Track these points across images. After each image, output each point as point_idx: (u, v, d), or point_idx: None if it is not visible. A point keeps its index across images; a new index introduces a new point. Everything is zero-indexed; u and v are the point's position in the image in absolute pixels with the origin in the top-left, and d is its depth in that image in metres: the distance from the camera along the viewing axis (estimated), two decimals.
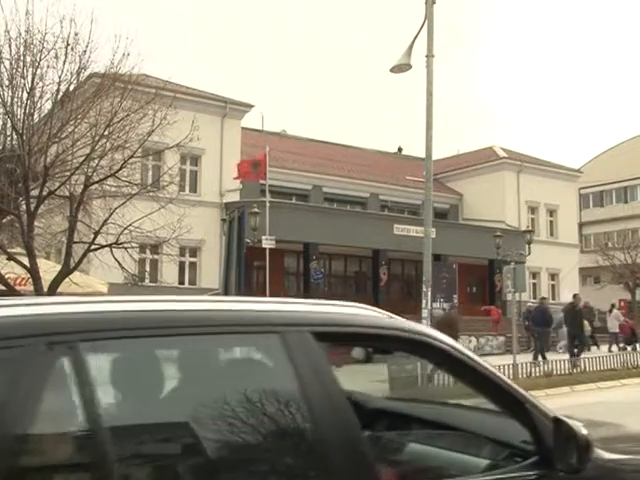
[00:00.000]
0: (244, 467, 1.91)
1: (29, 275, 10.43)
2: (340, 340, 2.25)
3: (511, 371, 14.28)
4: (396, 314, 2.49)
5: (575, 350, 19.06)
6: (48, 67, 10.40)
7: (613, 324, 26.14)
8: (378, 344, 2.46)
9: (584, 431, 2.21)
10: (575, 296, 21.75)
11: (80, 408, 1.70)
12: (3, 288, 11.27)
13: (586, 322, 22.00)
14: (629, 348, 23.31)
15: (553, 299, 37.21)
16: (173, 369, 2.02)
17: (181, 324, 1.92)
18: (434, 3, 12.46)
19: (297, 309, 2.23)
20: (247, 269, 26.90)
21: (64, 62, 10.41)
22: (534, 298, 33.25)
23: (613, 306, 28.85)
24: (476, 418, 2.71)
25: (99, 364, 1.80)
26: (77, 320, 1.79)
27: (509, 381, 2.42)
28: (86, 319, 1.80)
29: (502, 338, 27.23)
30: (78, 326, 1.77)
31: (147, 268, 23.68)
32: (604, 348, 24.44)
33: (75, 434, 1.73)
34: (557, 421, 2.22)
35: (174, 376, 2.00)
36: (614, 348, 24.40)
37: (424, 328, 2.49)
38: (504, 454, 2.40)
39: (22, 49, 10.28)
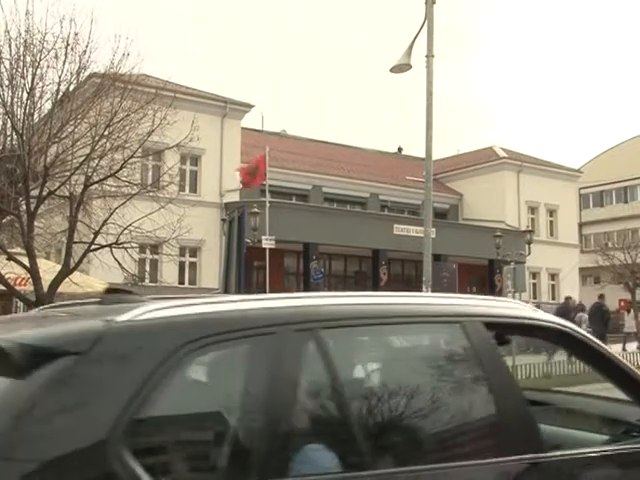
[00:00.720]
0: (439, 437, 2.33)
1: (29, 275, 10.43)
2: (503, 329, 2.65)
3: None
4: None
5: None
6: (48, 67, 10.41)
7: (631, 324, 25.83)
8: (530, 333, 2.96)
9: None
10: (601, 296, 21.71)
11: (323, 383, 2.12)
12: (3, 288, 11.26)
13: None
14: None
15: (553, 299, 37.25)
16: (386, 352, 2.49)
17: (392, 315, 2.36)
18: (434, 3, 12.46)
19: (470, 303, 2.63)
20: (247, 269, 26.88)
21: (64, 62, 10.42)
22: (534, 298, 33.28)
23: (602, 297, 28.52)
24: (594, 402, 3.33)
25: (335, 347, 2.16)
26: (319, 311, 2.20)
27: (634, 368, 2.78)
28: (325, 311, 2.21)
29: None
30: (320, 316, 2.17)
31: (147, 268, 23.68)
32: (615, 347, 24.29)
33: (320, 402, 2.16)
34: None
35: (386, 357, 2.49)
36: (632, 347, 23.99)
37: (567, 322, 2.81)
38: (622, 430, 2.83)
39: (22, 49, 10.28)
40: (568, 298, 23.98)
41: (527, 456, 2.28)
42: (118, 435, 1.73)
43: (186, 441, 1.95)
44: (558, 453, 2.43)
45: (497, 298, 2.91)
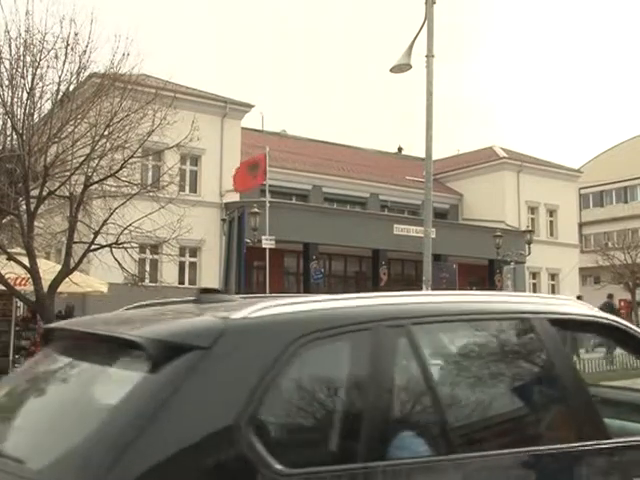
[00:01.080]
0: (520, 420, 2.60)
1: (29, 275, 10.42)
2: (565, 325, 2.84)
3: None
4: None
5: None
6: (48, 67, 10.40)
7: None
8: (589, 330, 3.15)
9: None
10: (610, 295, 21.72)
11: (413, 374, 2.32)
12: (3, 288, 11.26)
13: None
14: None
15: None
16: (466, 346, 2.66)
17: (471, 312, 2.63)
18: (434, 3, 12.45)
19: (536, 301, 2.90)
20: (247, 269, 26.88)
21: (64, 62, 10.41)
22: None
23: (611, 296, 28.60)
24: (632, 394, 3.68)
25: (423, 341, 2.37)
26: (408, 309, 2.43)
27: None
28: (414, 308, 2.46)
29: None
30: (410, 313, 2.40)
31: (147, 268, 23.67)
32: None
33: (412, 392, 2.35)
34: None
35: (467, 351, 2.65)
36: None
37: (620, 319, 3.03)
38: None
39: (22, 49, 10.27)
40: (579, 297, 23.89)
41: (593, 442, 2.49)
42: (245, 421, 1.94)
43: (300, 426, 2.14)
44: (621, 440, 2.61)
45: (557, 296, 3.20)
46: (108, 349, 2.23)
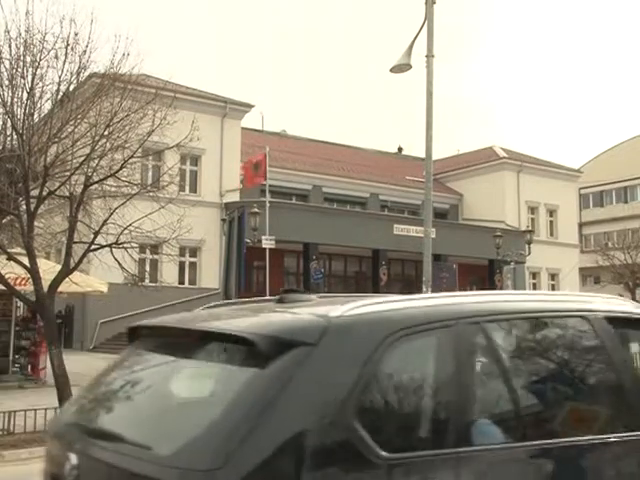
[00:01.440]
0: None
1: (29, 275, 10.41)
2: (619, 323, 2.97)
3: None
4: None
5: None
6: (48, 67, 10.37)
7: None
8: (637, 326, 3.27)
9: None
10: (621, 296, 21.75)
11: (490, 367, 2.54)
12: (3, 288, 11.25)
13: None
14: None
15: None
16: (533, 341, 2.86)
17: (536, 311, 2.85)
18: (434, 3, 12.45)
19: (591, 300, 3.07)
20: (247, 269, 26.90)
21: (64, 62, 10.37)
22: None
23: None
24: None
25: (496, 337, 2.60)
26: (483, 308, 2.66)
27: None
28: (488, 307, 2.69)
29: None
30: (484, 312, 2.62)
31: (147, 268, 23.68)
32: None
33: (490, 383, 2.54)
34: None
35: (533, 345, 2.85)
36: None
37: None
38: None
39: (22, 49, 10.24)
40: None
41: None
42: (350, 410, 2.13)
43: (396, 414, 2.31)
44: None
45: (609, 295, 3.34)
46: (212, 345, 2.44)
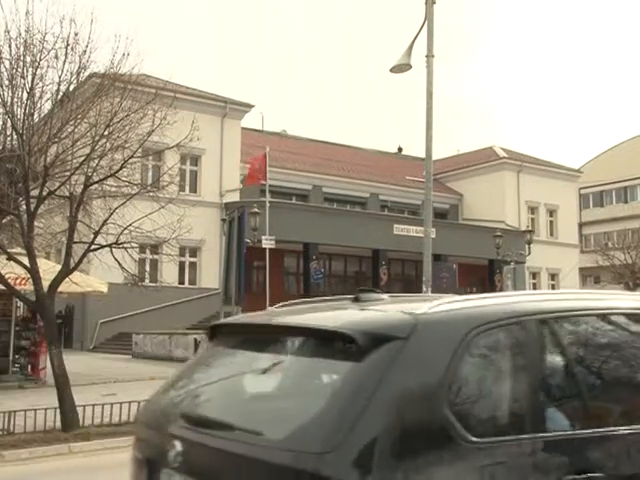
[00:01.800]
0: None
1: (29, 275, 10.40)
2: None
3: None
4: None
5: None
6: (48, 67, 10.35)
7: None
8: None
9: None
10: None
11: (559, 360, 2.73)
12: (3, 288, 11.25)
13: None
14: None
15: None
16: (596, 337, 3.02)
17: (597, 309, 3.04)
18: (434, 3, 12.46)
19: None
20: (247, 269, 26.89)
21: (64, 62, 10.35)
22: None
23: None
24: None
25: (561, 333, 2.80)
26: (549, 306, 2.88)
27: None
28: (552, 306, 2.90)
29: None
30: (550, 310, 2.83)
31: (147, 268, 23.68)
32: None
33: (558, 375, 2.74)
34: None
35: (597, 340, 3.01)
36: None
37: None
38: None
39: (22, 49, 10.23)
40: None
41: None
42: (441, 399, 2.32)
43: (481, 403, 2.50)
44: None
45: None
46: (303, 340, 2.65)
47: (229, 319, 3.31)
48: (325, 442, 2.17)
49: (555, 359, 2.78)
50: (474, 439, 2.32)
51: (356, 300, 2.90)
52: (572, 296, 3.24)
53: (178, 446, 2.58)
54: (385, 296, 2.95)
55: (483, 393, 2.53)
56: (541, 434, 2.50)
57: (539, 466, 2.45)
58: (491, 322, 2.60)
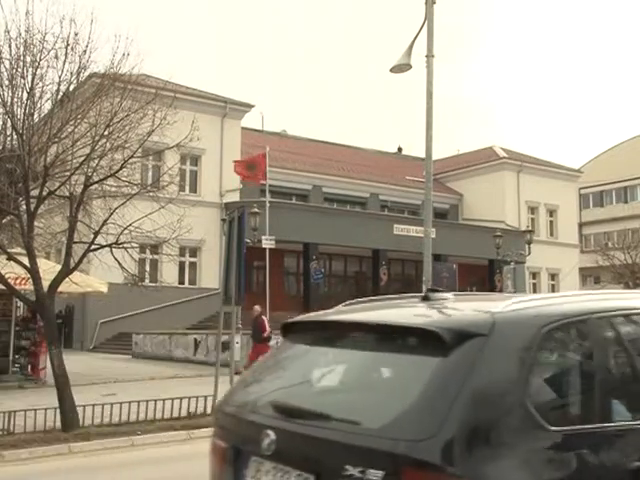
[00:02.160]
0: None
1: (29, 275, 10.41)
2: None
3: None
4: None
5: None
6: (48, 67, 10.34)
7: None
8: None
9: None
10: None
11: (621, 354, 2.89)
12: (3, 288, 11.25)
13: None
14: None
15: None
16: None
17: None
18: (434, 3, 12.45)
19: None
20: (247, 269, 26.85)
21: (64, 62, 10.34)
22: None
23: None
24: None
25: (621, 330, 2.96)
26: (610, 305, 3.08)
27: None
28: (612, 305, 3.08)
29: None
30: (610, 309, 3.01)
31: (147, 268, 23.68)
32: None
33: (621, 369, 2.90)
34: None
35: None
36: None
37: None
38: None
39: (22, 49, 10.22)
40: None
41: None
42: (521, 388, 2.48)
43: (556, 395, 2.70)
44: None
45: None
46: (386, 336, 2.80)
47: (303, 317, 3.39)
48: (421, 430, 2.33)
49: (618, 354, 2.94)
50: (552, 428, 2.48)
51: (425, 299, 3.08)
52: (628, 295, 3.54)
53: (272, 435, 2.72)
54: (450, 295, 3.12)
55: (557, 385, 2.73)
56: (609, 424, 2.66)
57: (610, 454, 2.62)
58: (561, 320, 2.78)
